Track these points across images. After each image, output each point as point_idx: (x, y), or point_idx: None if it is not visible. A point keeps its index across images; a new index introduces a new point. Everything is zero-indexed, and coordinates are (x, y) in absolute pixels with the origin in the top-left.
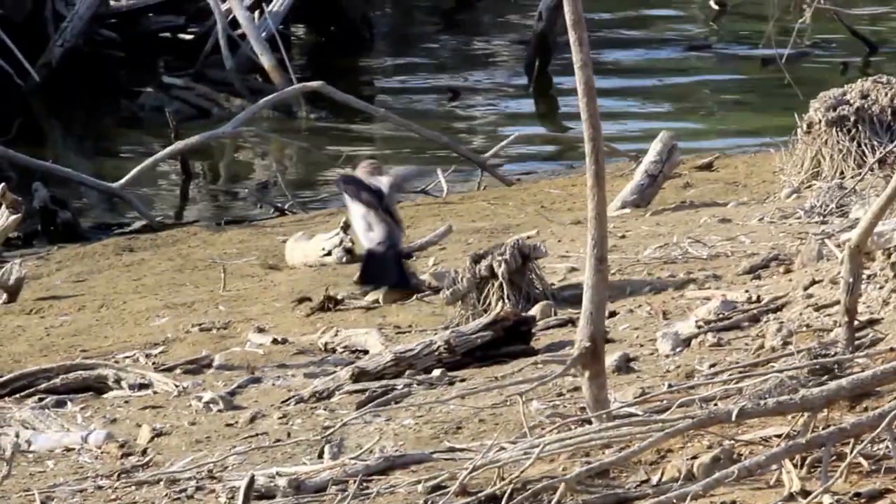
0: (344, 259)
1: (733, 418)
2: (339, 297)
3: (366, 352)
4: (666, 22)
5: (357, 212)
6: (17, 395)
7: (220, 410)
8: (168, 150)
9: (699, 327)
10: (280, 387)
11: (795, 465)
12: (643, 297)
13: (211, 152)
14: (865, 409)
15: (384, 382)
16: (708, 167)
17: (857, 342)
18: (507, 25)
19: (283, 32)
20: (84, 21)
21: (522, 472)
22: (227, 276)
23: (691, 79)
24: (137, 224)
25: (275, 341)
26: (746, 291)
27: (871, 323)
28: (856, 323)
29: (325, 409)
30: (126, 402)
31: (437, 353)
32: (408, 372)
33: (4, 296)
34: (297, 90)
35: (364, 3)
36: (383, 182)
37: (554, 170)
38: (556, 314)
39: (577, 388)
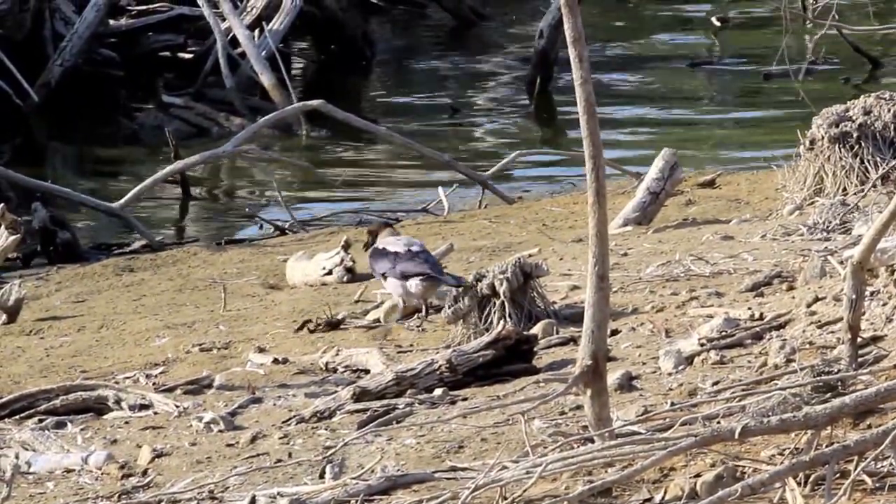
0: (345, 278)
1: (736, 436)
2: (339, 316)
3: (367, 371)
4: (668, 37)
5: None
6: (17, 417)
7: (220, 431)
8: (168, 169)
9: (702, 345)
10: (281, 407)
11: (799, 483)
12: (645, 314)
13: (211, 171)
14: (869, 427)
15: (385, 402)
16: (710, 184)
17: (860, 359)
18: (509, 43)
19: (284, 51)
20: (83, 40)
21: (525, 491)
22: (228, 295)
23: (693, 95)
24: (137, 244)
25: (275, 361)
26: (749, 309)
27: (875, 340)
28: (859, 340)
29: (326, 429)
30: (126, 422)
31: (438, 373)
32: (409, 391)
33: (4, 316)
34: (298, 109)
35: (364, 22)
36: (417, 243)
37: (555, 188)
38: (557, 332)
39: (579, 407)
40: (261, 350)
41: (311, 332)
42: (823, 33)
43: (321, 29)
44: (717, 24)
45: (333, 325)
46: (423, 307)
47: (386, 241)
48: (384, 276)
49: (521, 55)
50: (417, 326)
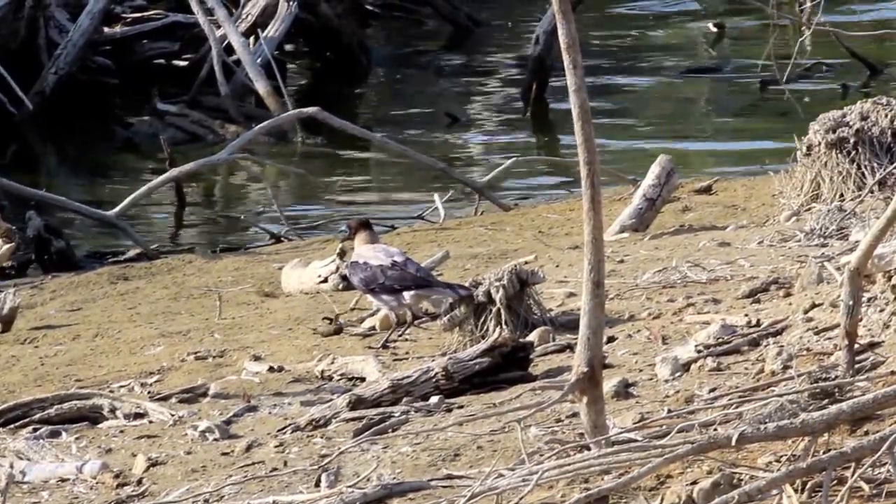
0: (340, 286)
1: (733, 443)
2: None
3: (363, 379)
4: (664, 45)
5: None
6: (12, 426)
7: (215, 439)
8: (163, 177)
9: (698, 352)
10: (276, 415)
11: (796, 490)
12: (642, 321)
13: (206, 179)
14: (866, 433)
15: (381, 410)
16: (707, 190)
17: (857, 365)
18: (505, 50)
19: (279, 58)
20: (78, 48)
21: (521, 499)
22: (223, 303)
23: (690, 102)
24: (132, 252)
25: (271, 369)
26: (746, 315)
27: (872, 346)
28: (856, 346)
29: (321, 438)
30: (121, 431)
31: (434, 380)
32: (405, 399)
33: None
34: (293, 116)
35: (360, 29)
36: (395, 252)
37: (552, 195)
38: (554, 340)
39: (575, 414)
40: (256, 358)
41: (324, 335)
42: (817, 37)
43: (317, 36)
44: (714, 30)
45: (337, 329)
46: (411, 317)
47: (364, 254)
48: (373, 290)
49: (518, 62)
50: (400, 336)
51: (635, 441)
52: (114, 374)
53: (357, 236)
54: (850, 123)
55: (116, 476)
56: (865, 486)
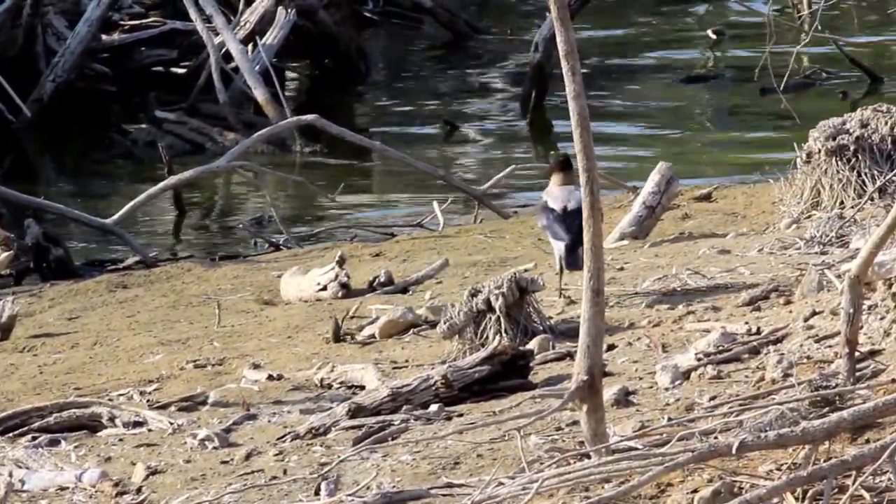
0: (339, 294)
1: (734, 451)
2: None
3: (362, 387)
4: (664, 51)
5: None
6: (11, 434)
7: (215, 448)
8: (161, 185)
9: (699, 360)
10: (276, 423)
11: (797, 498)
12: (642, 329)
13: (204, 187)
14: (867, 441)
15: (381, 418)
16: (707, 198)
17: (858, 373)
18: (504, 57)
19: (278, 66)
20: (76, 56)
21: None
22: (222, 311)
23: (689, 109)
24: (131, 260)
25: (270, 377)
26: (746, 323)
27: (873, 354)
28: (857, 354)
29: (321, 446)
30: (120, 440)
31: (434, 388)
32: (405, 407)
33: None
34: (292, 124)
35: (358, 36)
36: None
37: None
38: (554, 348)
39: (575, 423)
40: (255, 366)
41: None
42: (814, 46)
43: (315, 43)
44: (713, 37)
45: (337, 337)
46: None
47: (551, 193)
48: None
49: (517, 69)
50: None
51: (636, 449)
52: (113, 383)
53: (553, 175)
54: (850, 131)
55: (115, 484)
56: (866, 495)
